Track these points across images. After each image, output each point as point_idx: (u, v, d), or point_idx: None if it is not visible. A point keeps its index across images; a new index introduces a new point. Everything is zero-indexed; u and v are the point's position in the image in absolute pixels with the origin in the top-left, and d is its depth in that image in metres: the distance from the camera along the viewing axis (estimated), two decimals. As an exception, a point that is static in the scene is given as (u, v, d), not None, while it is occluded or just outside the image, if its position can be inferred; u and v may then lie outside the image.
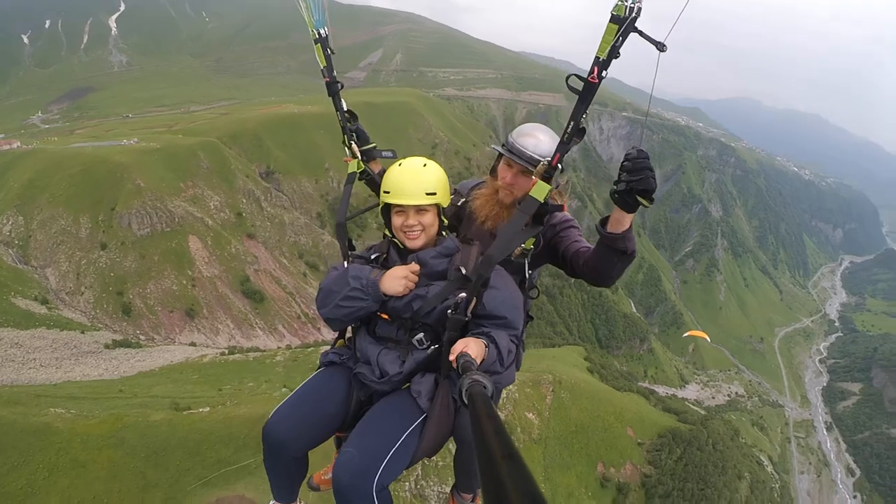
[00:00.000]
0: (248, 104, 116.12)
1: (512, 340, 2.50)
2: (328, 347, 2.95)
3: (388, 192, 2.55)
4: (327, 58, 3.09)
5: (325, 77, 3.14)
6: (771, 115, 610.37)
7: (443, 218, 2.65)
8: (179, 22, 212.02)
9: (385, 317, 2.57)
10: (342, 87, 3.20)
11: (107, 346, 47.78)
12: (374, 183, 3.16)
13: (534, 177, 2.56)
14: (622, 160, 2.25)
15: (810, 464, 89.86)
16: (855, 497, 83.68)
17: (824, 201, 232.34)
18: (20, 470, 21.14)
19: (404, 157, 2.71)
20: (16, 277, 52.39)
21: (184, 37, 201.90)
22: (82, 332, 48.49)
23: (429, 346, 2.52)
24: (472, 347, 2.17)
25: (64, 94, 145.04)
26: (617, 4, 2.05)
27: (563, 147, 2.44)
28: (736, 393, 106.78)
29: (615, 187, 2.31)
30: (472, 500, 3.26)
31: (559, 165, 2.51)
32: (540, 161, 2.64)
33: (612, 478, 39.89)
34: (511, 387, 25.77)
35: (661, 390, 73.44)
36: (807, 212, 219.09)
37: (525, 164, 2.76)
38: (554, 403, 40.98)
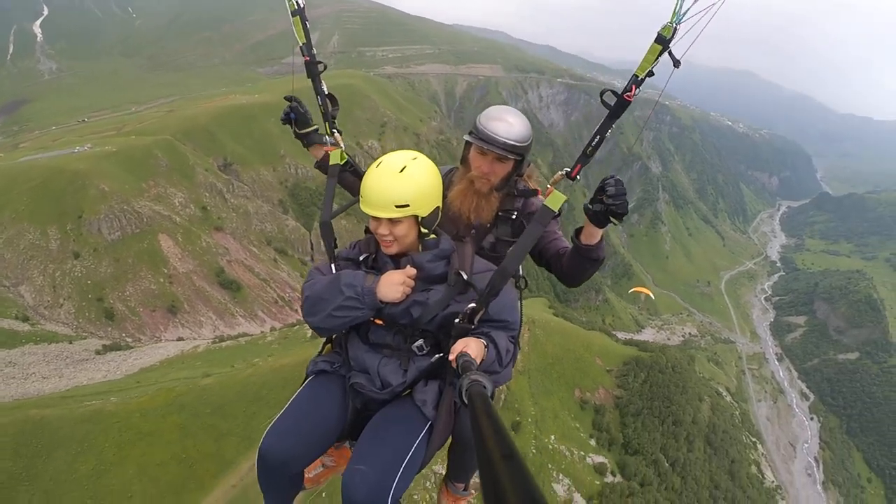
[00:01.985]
0: (192, 99, 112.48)
1: (510, 341, 2.47)
2: (315, 355, 2.78)
3: (362, 197, 2.35)
4: (306, 33, 2.88)
5: (303, 56, 2.92)
6: (703, 73, 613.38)
7: (422, 229, 2.38)
8: (106, 21, 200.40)
9: (379, 322, 2.44)
10: (325, 67, 3.00)
11: (98, 353, 47.79)
12: (356, 175, 3.01)
13: (549, 186, 2.55)
14: (600, 184, 2.38)
15: (766, 392, 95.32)
16: (812, 419, 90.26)
17: (759, 152, 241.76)
18: (85, 455, 21.88)
19: (391, 151, 2.46)
20: (-10, 299, 51.21)
21: (112, 37, 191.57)
22: (70, 343, 48.42)
23: (430, 353, 2.45)
24: (471, 347, 2.15)
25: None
26: (665, 26, 2.10)
27: (584, 159, 2.46)
28: (689, 333, 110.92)
29: (590, 206, 2.43)
30: (465, 489, 3.23)
31: (577, 177, 2.50)
32: (514, 146, 2.63)
33: (589, 400, 44.51)
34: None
35: (620, 335, 78.09)
36: (742, 162, 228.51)
37: (500, 151, 2.62)
38: (531, 340, 44.93)
